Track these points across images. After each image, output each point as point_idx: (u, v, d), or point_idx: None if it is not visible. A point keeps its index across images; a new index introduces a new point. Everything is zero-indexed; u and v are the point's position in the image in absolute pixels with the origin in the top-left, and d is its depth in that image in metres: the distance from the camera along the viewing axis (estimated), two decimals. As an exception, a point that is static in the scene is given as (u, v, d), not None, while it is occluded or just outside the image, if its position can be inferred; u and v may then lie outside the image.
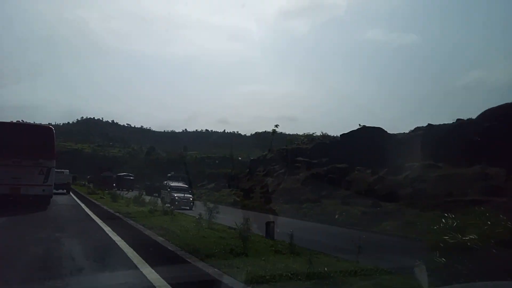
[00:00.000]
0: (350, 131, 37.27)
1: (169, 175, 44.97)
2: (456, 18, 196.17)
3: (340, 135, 40.21)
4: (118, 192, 26.91)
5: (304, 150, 42.34)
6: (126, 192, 31.99)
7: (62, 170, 35.18)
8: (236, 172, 52.71)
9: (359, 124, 37.53)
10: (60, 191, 32.57)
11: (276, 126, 52.00)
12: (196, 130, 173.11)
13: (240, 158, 61.26)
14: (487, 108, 26.87)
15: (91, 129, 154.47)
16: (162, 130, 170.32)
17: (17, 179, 15.65)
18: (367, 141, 31.43)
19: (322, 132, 51.44)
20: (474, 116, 28.27)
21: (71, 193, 33.65)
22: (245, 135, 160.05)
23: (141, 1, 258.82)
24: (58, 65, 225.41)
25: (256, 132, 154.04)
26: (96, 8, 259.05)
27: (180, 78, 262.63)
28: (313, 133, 52.57)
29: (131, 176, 58.38)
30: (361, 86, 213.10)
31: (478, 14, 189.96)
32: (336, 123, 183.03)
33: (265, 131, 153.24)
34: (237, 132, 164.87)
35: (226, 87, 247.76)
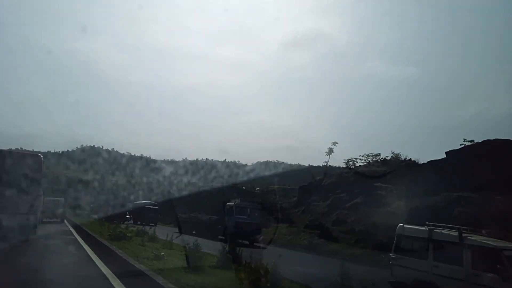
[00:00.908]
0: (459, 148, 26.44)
1: (232, 203, 27.44)
2: (455, 50, 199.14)
3: (446, 152, 26.93)
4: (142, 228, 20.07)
5: (379, 173, 31.86)
6: (149, 227, 22.14)
7: (57, 198, 34.52)
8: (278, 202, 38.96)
9: (464, 140, 26.68)
10: (54, 220, 31.64)
11: (334, 144, 39.80)
12: (197, 159, 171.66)
13: (257, 188, 53.21)
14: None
15: (91, 157, 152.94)
16: (162, 159, 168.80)
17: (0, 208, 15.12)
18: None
19: (392, 152, 38.60)
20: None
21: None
22: (246, 164, 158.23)
23: (145, 34, 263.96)
24: (60, 94, 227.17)
25: (257, 162, 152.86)
26: (99, 40, 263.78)
27: (180, 108, 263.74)
28: (372, 154, 39.90)
29: (155, 205, 41.74)
30: (360, 117, 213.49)
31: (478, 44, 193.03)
32: (337, 153, 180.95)
33: (267, 160, 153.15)
34: (238, 161, 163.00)
35: (226, 118, 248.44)
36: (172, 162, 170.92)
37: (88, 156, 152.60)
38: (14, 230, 15.32)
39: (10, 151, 18.17)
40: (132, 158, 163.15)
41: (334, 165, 46.67)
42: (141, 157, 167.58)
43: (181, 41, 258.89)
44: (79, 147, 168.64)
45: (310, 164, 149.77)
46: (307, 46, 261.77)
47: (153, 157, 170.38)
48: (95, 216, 36.09)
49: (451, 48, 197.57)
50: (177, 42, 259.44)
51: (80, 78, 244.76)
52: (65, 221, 33.64)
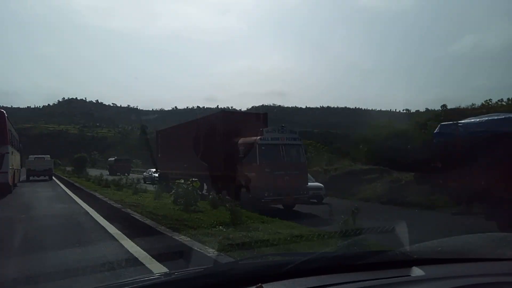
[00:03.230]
0: None
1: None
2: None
3: None
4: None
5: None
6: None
7: (43, 156, 34.27)
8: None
9: None
10: (42, 177, 31.07)
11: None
12: (187, 107, 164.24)
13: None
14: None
15: (74, 110, 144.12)
16: (150, 109, 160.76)
17: None
18: None
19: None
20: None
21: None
22: (240, 109, 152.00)
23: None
24: (36, 46, 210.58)
25: (253, 106, 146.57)
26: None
27: (166, 55, 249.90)
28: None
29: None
30: (348, 56, 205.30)
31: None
32: (329, 94, 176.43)
33: (263, 104, 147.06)
34: (232, 107, 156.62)
35: (214, 64, 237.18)
36: (161, 112, 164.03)
37: (71, 109, 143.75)
38: None
39: None
40: (118, 110, 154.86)
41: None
42: (128, 108, 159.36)
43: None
44: (61, 100, 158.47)
45: (307, 106, 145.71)
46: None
47: (140, 107, 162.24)
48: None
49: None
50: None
51: (56, 27, 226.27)
52: (54, 178, 32.33)
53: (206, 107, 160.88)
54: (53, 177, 31.71)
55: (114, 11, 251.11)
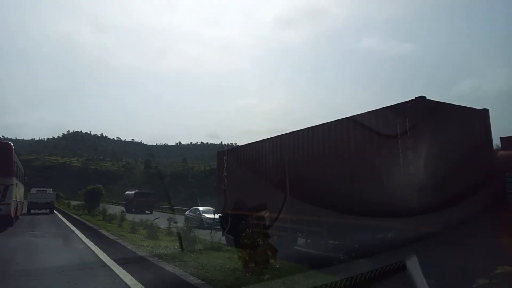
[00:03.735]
0: None
1: None
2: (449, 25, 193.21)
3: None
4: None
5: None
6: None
7: (45, 188, 33.17)
8: None
9: None
10: (43, 210, 30.12)
11: None
12: (191, 142, 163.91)
13: None
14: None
15: (78, 143, 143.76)
16: (155, 144, 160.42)
17: None
18: None
19: None
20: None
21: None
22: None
23: (133, 13, 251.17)
24: (43, 79, 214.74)
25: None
26: (84, 21, 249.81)
27: (171, 91, 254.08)
28: None
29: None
30: (352, 97, 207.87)
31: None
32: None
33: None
34: (235, 143, 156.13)
35: (217, 101, 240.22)
36: (165, 147, 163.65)
37: (76, 142, 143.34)
38: None
39: None
40: (122, 144, 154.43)
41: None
42: (132, 142, 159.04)
43: (170, 22, 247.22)
44: (65, 133, 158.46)
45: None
46: (302, 24, 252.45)
47: (144, 142, 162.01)
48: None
49: (447, 25, 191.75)
50: (166, 23, 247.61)
51: (64, 63, 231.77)
52: (60, 215, 29.33)
53: (210, 143, 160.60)
54: (60, 215, 27.54)
55: (121, 48, 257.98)
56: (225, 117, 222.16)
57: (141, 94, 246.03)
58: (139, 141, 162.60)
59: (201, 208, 22.22)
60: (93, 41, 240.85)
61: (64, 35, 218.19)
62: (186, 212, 25.14)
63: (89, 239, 11.74)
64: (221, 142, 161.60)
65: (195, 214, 22.14)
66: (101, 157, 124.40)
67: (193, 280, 5.39)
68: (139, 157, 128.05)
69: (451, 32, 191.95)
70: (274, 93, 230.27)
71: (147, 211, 35.00)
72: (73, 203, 38.76)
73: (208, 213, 20.02)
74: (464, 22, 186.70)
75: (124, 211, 19.17)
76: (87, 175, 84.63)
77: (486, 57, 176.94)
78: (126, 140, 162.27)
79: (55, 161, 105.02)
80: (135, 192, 39.96)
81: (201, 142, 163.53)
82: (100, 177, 76.87)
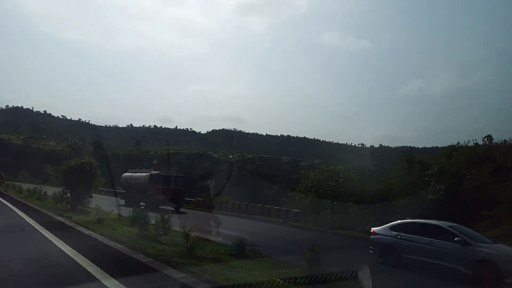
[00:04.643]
0: None
1: None
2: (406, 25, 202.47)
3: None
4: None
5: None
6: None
7: None
8: None
9: None
10: None
11: None
12: (143, 125, 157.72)
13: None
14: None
15: (18, 119, 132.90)
16: (104, 125, 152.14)
17: None
18: None
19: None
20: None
21: None
22: (199, 132, 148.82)
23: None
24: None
25: (213, 130, 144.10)
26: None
27: (123, 71, 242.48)
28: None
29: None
30: (315, 90, 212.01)
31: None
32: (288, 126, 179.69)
33: (223, 128, 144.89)
34: (191, 129, 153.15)
35: (173, 85, 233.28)
36: (116, 128, 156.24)
37: (14, 118, 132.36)
38: None
39: None
40: (68, 123, 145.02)
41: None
42: (79, 122, 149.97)
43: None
44: (4, 108, 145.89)
45: (268, 133, 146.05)
46: (264, 12, 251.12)
47: (92, 122, 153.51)
48: None
49: (401, 25, 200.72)
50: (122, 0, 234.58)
51: (5, 31, 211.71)
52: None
53: (164, 127, 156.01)
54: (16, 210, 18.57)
55: (71, 22, 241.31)
56: (180, 102, 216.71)
57: (91, 71, 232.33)
58: (86, 121, 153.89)
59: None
60: (41, 12, 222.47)
61: (10, 3, 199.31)
62: None
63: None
64: (176, 126, 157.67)
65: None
66: (44, 136, 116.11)
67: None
68: (87, 137, 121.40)
69: (406, 34, 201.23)
70: (233, 81, 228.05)
71: (171, 206, 22.16)
72: (25, 186, 31.47)
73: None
74: (421, 25, 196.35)
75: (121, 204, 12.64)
76: (29, 154, 78.59)
77: (434, 60, 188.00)
78: (73, 119, 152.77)
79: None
80: (150, 174, 25.81)
81: (154, 125, 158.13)
82: (44, 157, 71.50)
